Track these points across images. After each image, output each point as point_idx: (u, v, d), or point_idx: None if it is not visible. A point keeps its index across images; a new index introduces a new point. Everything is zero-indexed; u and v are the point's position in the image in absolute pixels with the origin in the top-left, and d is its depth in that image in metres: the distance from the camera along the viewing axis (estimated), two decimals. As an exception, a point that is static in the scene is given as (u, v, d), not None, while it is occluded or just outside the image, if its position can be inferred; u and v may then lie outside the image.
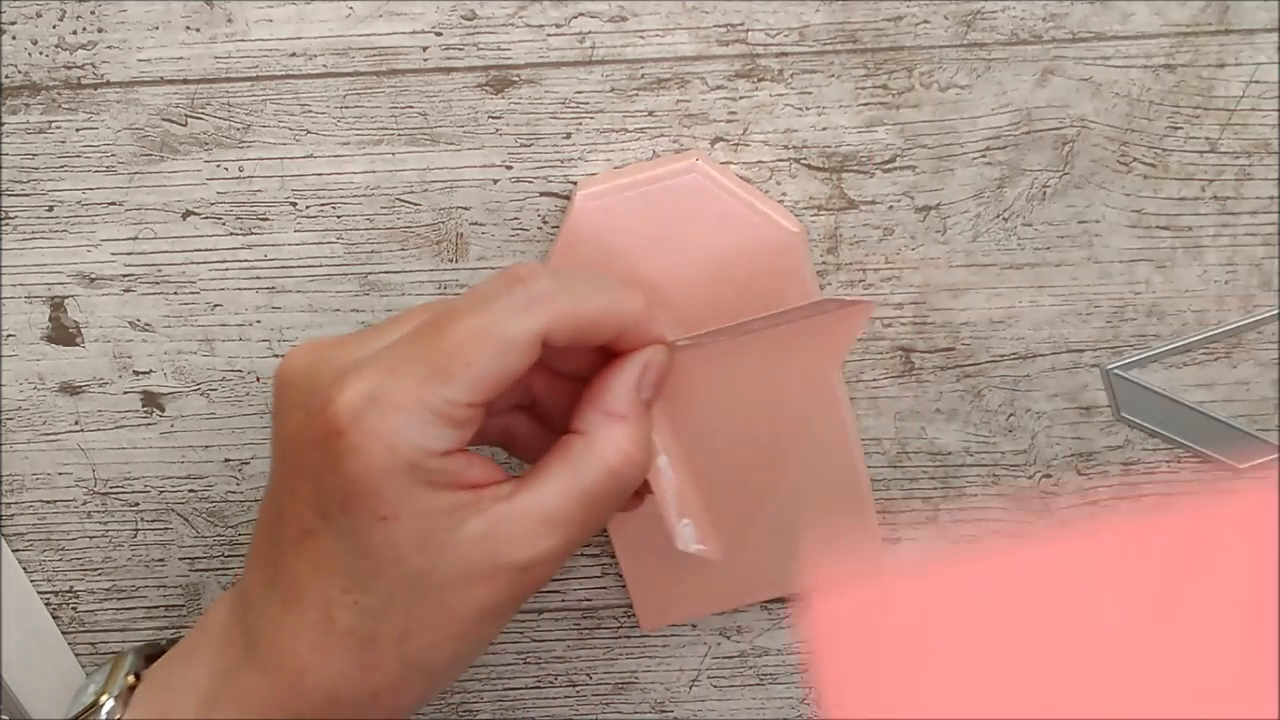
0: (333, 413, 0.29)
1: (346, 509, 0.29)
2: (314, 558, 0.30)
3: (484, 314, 0.30)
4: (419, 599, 0.30)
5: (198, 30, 0.36)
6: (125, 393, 0.42)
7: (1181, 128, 0.37)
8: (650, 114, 0.37)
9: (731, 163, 0.38)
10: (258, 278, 0.40)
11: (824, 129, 0.37)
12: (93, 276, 0.40)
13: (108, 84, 0.37)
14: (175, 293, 0.40)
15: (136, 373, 0.42)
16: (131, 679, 0.36)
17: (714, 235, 0.37)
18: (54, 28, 0.36)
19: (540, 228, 0.39)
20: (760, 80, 0.37)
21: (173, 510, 0.44)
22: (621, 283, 0.33)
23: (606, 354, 0.33)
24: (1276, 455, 0.41)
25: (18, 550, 0.45)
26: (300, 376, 0.31)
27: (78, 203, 0.39)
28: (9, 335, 0.41)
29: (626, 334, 0.32)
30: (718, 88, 0.37)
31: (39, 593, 0.46)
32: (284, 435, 0.31)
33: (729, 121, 0.37)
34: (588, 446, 0.31)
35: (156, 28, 0.36)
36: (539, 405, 0.35)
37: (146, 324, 0.41)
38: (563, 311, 0.30)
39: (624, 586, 0.44)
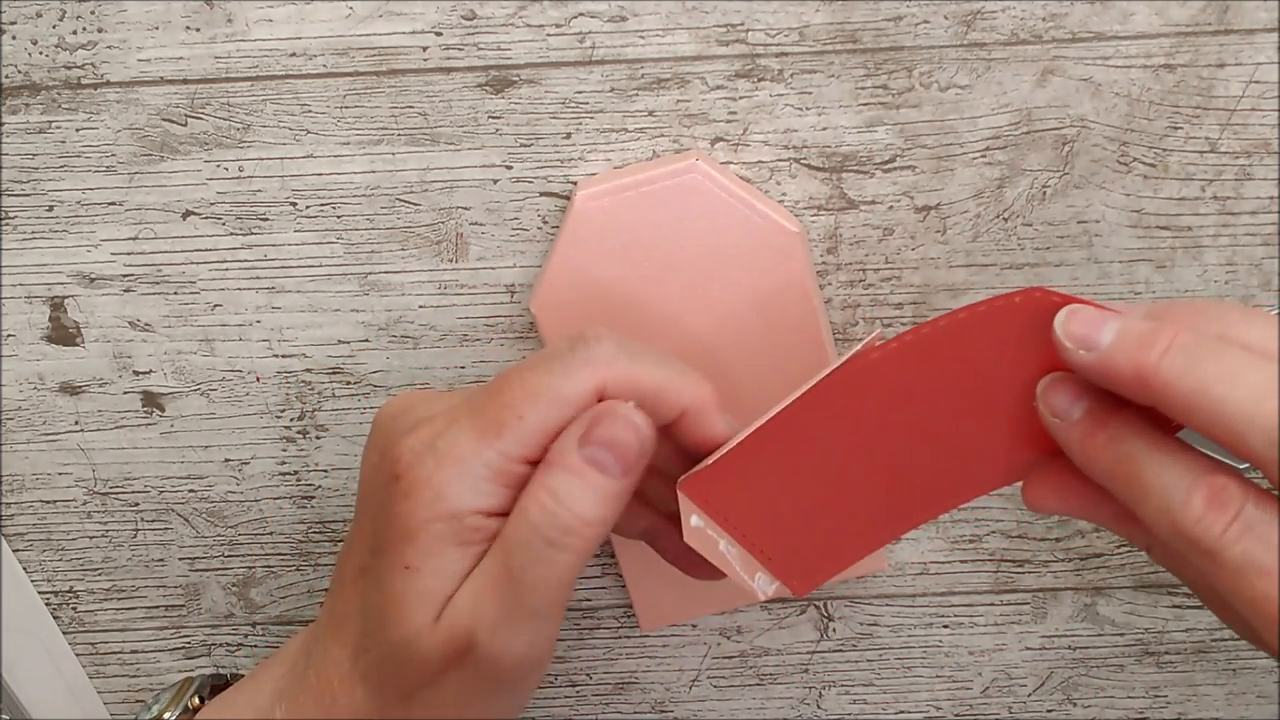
0: (394, 456, 0.30)
1: (380, 555, 0.30)
2: (361, 594, 0.31)
3: (542, 371, 0.30)
4: (403, 664, 0.30)
5: (198, 30, 0.36)
6: (125, 393, 0.42)
7: (1181, 128, 0.37)
8: (650, 114, 0.37)
9: (731, 163, 0.38)
10: (258, 278, 0.40)
11: (824, 129, 0.37)
12: (93, 276, 0.40)
13: (108, 84, 0.37)
14: (175, 293, 0.40)
15: (136, 373, 0.42)
16: (196, 701, 0.38)
17: (714, 235, 0.37)
18: (54, 28, 0.36)
19: (540, 228, 0.39)
20: (760, 80, 0.37)
21: (173, 510, 0.44)
22: (691, 369, 0.32)
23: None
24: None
25: (18, 550, 0.45)
26: (387, 421, 0.32)
27: (78, 203, 0.39)
28: (9, 335, 0.41)
29: (691, 421, 0.31)
30: (718, 88, 0.37)
31: (39, 593, 0.46)
32: (362, 475, 0.32)
33: (729, 121, 0.37)
34: (519, 506, 0.30)
35: (156, 28, 0.36)
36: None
37: (146, 324, 0.41)
38: (621, 375, 0.30)
39: (624, 587, 0.44)
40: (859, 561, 0.34)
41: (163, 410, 0.42)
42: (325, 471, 0.43)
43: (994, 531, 0.44)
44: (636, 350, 0.30)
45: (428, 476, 0.29)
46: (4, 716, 0.47)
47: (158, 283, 0.40)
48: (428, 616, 0.30)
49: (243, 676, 0.37)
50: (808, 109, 0.37)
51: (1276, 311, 0.39)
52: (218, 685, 0.39)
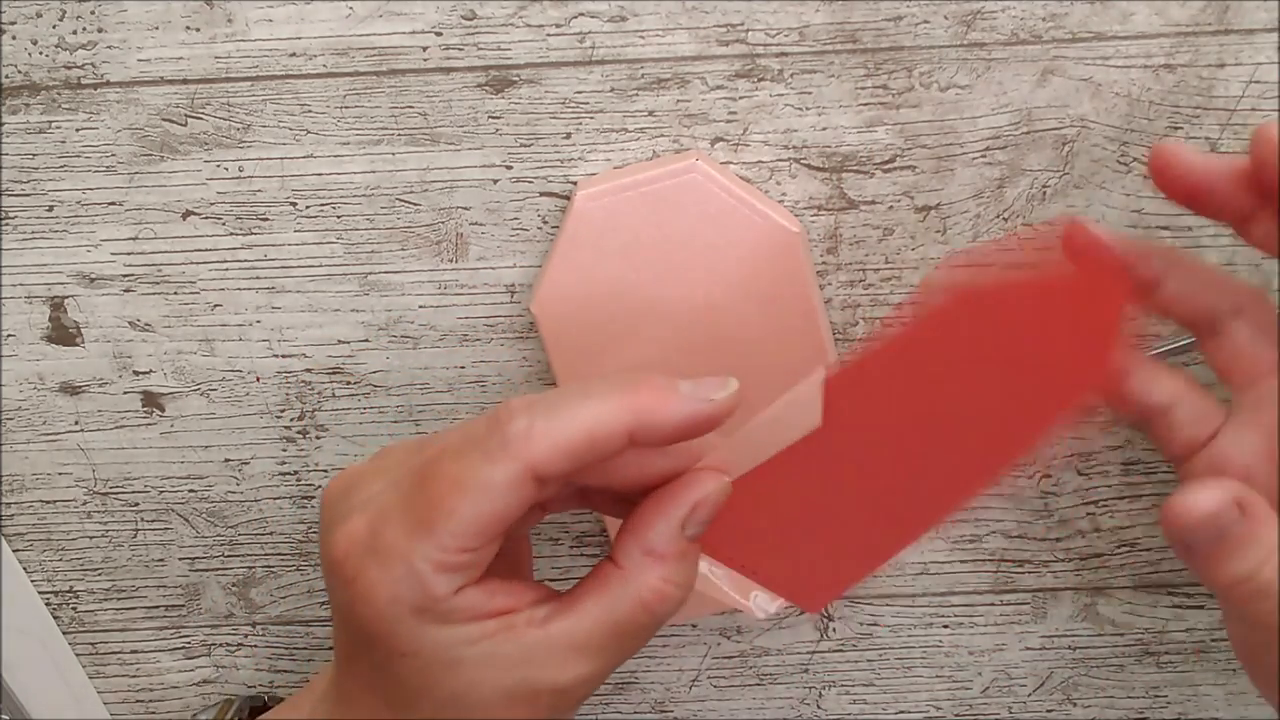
0: (337, 557, 0.30)
1: (370, 647, 0.30)
2: (358, 677, 0.32)
3: (461, 460, 0.29)
4: (464, 713, 0.31)
5: (198, 30, 0.36)
6: (125, 393, 0.42)
7: (1181, 128, 0.37)
8: (650, 114, 0.37)
9: (731, 163, 0.38)
10: (258, 278, 0.40)
11: (824, 129, 0.37)
12: (93, 276, 0.40)
13: (108, 84, 0.37)
14: (175, 293, 0.40)
15: (136, 373, 0.42)
16: None
17: (714, 235, 0.37)
18: (54, 28, 0.36)
19: (540, 228, 0.39)
20: (760, 80, 0.37)
21: (173, 510, 0.44)
22: (612, 383, 0.30)
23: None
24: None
25: (18, 550, 0.45)
26: (328, 505, 0.32)
27: (78, 203, 0.39)
28: (9, 335, 0.41)
29: (644, 435, 0.30)
30: (718, 88, 0.37)
31: (39, 593, 0.46)
32: (321, 562, 0.32)
33: (729, 121, 0.37)
34: (624, 582, 0.31)
35: (156, 28, 0.36)
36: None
37: (146, 324, 0.41)
38: (545, 446, 0.29)
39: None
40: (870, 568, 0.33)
41: (163, 410, 0.42)
42: (325, 471, 0.43)
43: (994, 531, 0.44)
44: (554, 403, 0.29)
45: (376, 580, 0.29)
46: (4, 716, 0.47)
47: (158, 283, 0.40)
48: (464, 681, 0.30)
49: (280, 701, 0.37)
50: (808, 109, 0.37)
51: (1276, 312, 0.39)
52: (256, 707, 0.39)
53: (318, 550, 0.45)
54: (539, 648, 0.30)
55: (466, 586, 0.30)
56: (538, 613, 0.31)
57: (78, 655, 0.47)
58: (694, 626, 0.46)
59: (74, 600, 0.46)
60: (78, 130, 0.38)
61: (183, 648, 0.47)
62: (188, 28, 0.36)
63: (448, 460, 0.29)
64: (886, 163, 0.38)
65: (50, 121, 0.38)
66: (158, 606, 0.46)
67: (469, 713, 0.30)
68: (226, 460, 0.43)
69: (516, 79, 0.37)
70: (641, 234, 0.37)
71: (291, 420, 0.42)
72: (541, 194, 0.38)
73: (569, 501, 0.34)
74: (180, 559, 0.45)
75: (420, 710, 0.31)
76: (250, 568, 0.45)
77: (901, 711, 0.47)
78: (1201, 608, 0.44)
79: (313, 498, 0.44)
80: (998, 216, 0.38)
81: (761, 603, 0.33)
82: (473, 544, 0.29)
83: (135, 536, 0.45)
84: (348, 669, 0.32)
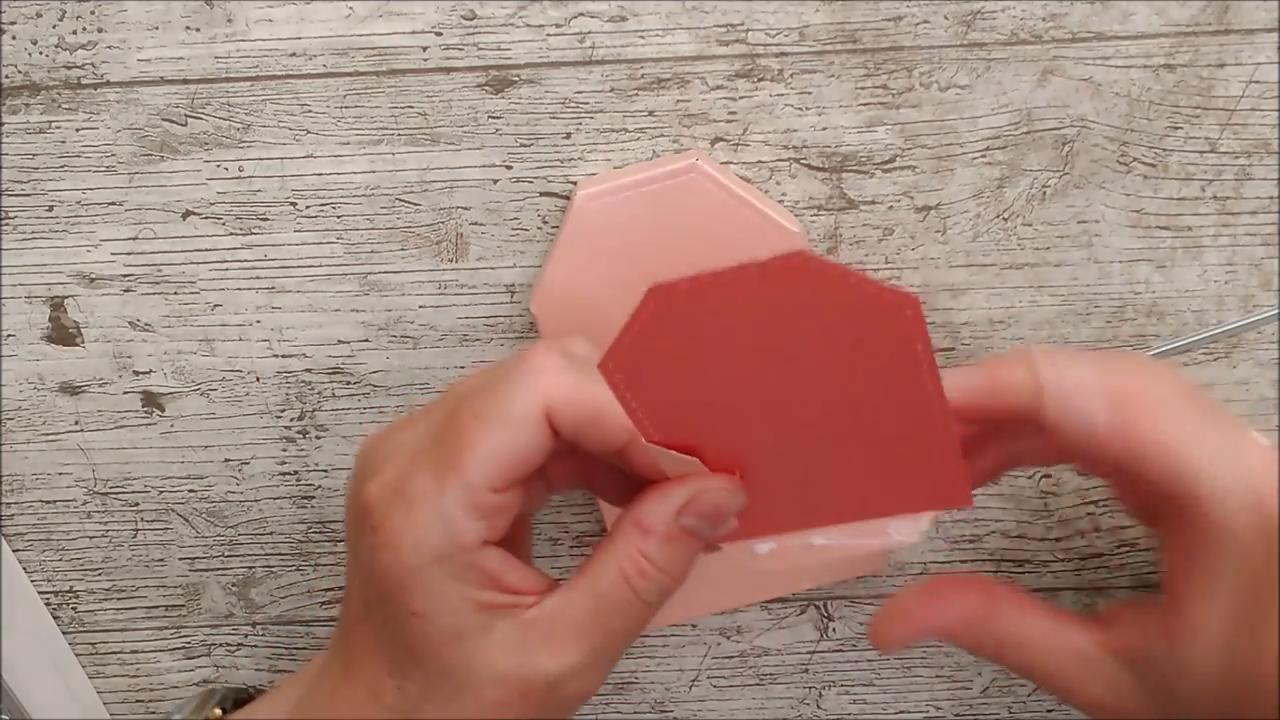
0: (365, 505, 0.31)
1: (383, 602, 0.31)
2: (363, 641, 0.32)
3: (487, 393, 0.30)
4: (456, 693, 0.31)
5: (198, 30, 0.36)
6: (125, 393, 0.42)
7: (1181, 128, 0.37)
8: (650, 114, 0.37)
9: (731, 163, 0.38)
10: (258, 278, 0.40)
11: (824, 129, 0.37)
12: (93, 276, 0.40)
13: (108, 84, 0.37)
14: (175, 293, 0.40)
15: (136, 373, 0.42)
16: (218, 712, 0.39)
17: (714, 235, 0.37)
18: (54, 28, 0.36)
19: (540, 228, 0.39)
20: (760, 80, 0.37)
21: (173, 510, 0.44)
22: None
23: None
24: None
25: (18, 550, 0.45)
26: (360, 461, 0.32)
27: (78, 203, 0.39)
28: (9, 335, 0.41)
29: (639, 447, 0.31)
30: (718, 88, 0.37)
31: (39, 593, 0.46)
32: (346, 520, 0.33)
33: (729, 121, 0.37)
34: (608, 549, 0.31)
35: (156, 28, 0.36)
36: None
37: (146, 324, 0.41)
38: (566, 391, 0.30)
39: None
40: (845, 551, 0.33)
41: (163, 410, 0.42)
42: (325, 471, 0.43)
43: (994, 531, 0.44)
44: (589, 370, 0.30)
45: (402, 525, 0.30)
46: (4, 716, 0.47)
47: (158, 283, 0.40)
48: (463, 655, 0.30)
49: (264, 692, 0.38)
50: (808, 109, 0.37)
51: (1276, 312, 0.39)
52: (240, 699, 0.40)
53: (318, 550, 0.45)
54: (533, 628, 0.30)
55: (490, 545, 0.30)
56: (538, 597, 0.31)
57: (78, 655, 0.47)
58: (694, 627, 0.46)
59: (74, 600, 0.46)
60: (78, 130, 0.38)
61: (183, 648, 0.47)
62: (188, 28, 0.36)
63: (470, 398, 0.30)
64: (886, 163, 0.38)
65: (50, 121, 0.38)
66: (158, 606, 0.46)
67: (461, 690, 0.30)
68: (226, 460, 0.43)
69: (516, 79, 0.37)
70: (641, 234, 0.37)
71: (291, 420, 0.42)
72: (541, 194, 0.38)
73: (575, 480, 0.34)
74: (180, 559, 0.45)
75: (417, 679, 0.31)
76: (250, 568, 0.45)
77: (901, 711, 0.47)
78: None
79: (313, 498, 0.44)
80: (998, 216, 0.38)
81: (903, 530, 0.32)
82: (498, 482, 0.30)
83: (135, 536, 0.45)
84: (354, 633, 0.32)
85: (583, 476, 0.34)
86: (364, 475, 0.31)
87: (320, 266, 0.40)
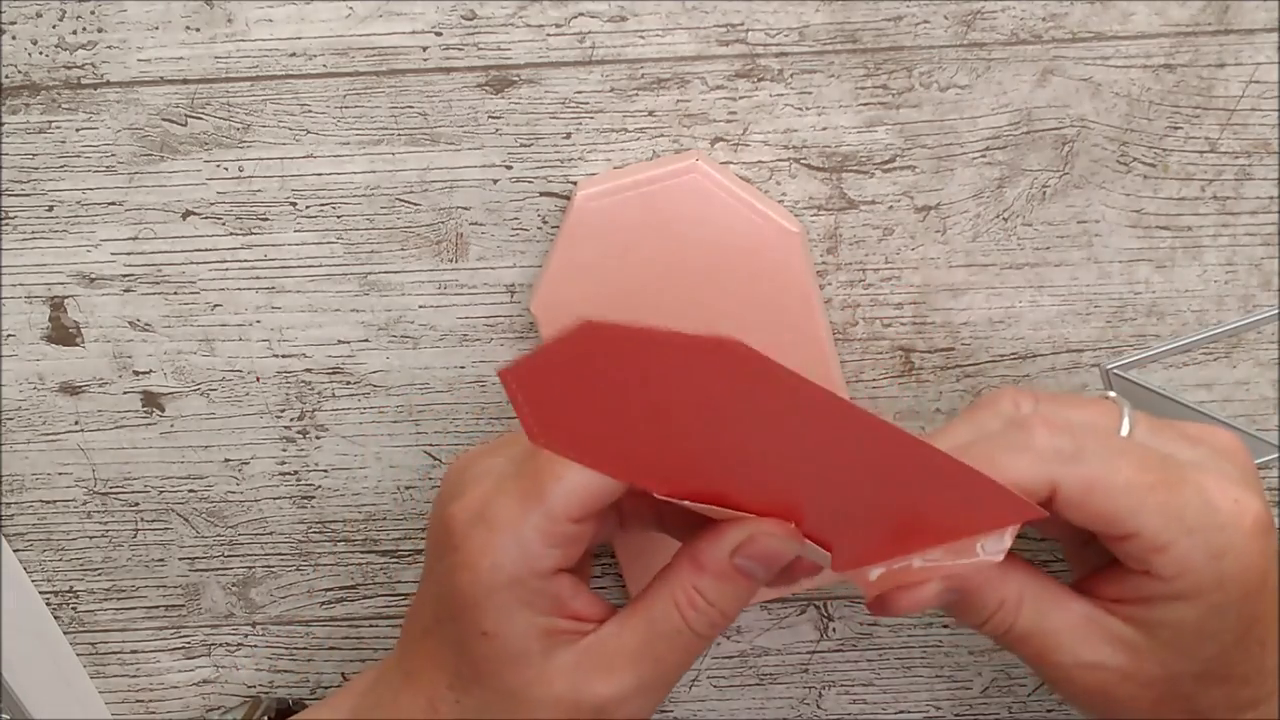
0: (448, 526, 0.32)
1: (454, 618, 0.32)
2: (430, 653, 0.33)
3: None
4: (511, 712, 0.32)
5: (198, 30, 0.36)
6: (125, 393, 0.42)
7: (1181, 128, 0.37)
8: (650, 114, 0.37)
9: (731, 163, 0.38)
10: (258, 278, 0.40)
11: (824, 129, 0.37)
12: (93, 276, 0.40)
13: (108, 84, 0.37)
14: (175, 293, 0.40)
15: (136, 373, 0.42)
16: None
17: (714, 235, 0.37)
18: (54, 28, 0.36)
19: (540, 228, 0.39)
20: (760, 80, 0.37)
21: (173, 510, 0.44)
22: None
23: None
24: (1277, 455, 0.41)
25: (18, 550, 0.45)
26: (446, 483, 0.34)
27: (78, 203, 0.39)
28: (9, 335, 0.41)
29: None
30: (718, 88, 0.37)
31: (39, 593, 0.46)
32: (427, 537, 0.34)
33: (729, 121, 0.37)
34: (663, 579, 0.32)
35: (156, 28, 0.36)
36: None
37: (146, 324, 0.41)
38: None
39: (624, 586, 0.44)
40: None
41: (163, 410, 0.42)
42: (325, 471, 0.43)
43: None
44: None
45: (481, 547, 0.31)
46: (4, 716, 0.47)
47: (158, 283, 0.40)
48: (524, 678, 0.31)
49: (305, 706, 0.38)
50: (808, 109, 0.37)
51: (1276, 312, 0.39)
52: (282, 710, 0.41)
53: (318, 550, 0.45)
54: (588, 654, 0.32)
55: (562, 572, 0.31)
56: (596, 625, 0.32)
57: (78, 655, 0.47)
58: (694, 626, 0.46)
59: (74, 600, 0.46)
60: (78, 130, 0.38)
61: (183, 648, 0.47)
62: (188, 28, 0.36)
63: None
64: (886, 163, 0.38)
65: (50, 121, 0.38)
66: (158, 606, 0.46)
67: (516, 710, 0.32)
68: (226, 460, 0.43)
69: (516, 79, 0.37)
70: (641, 234, 0.37)
71: (291, 420, 0.42)
72: (541, 194, 0.38)
73: (648, 517, 0.35)
74: (180, 559, 0.45)
75: (476, 695, 0.32)
76: (250, 568, 0.45)
77: (901, 711, 0.47)
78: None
79: (313, 498, 0.44)
80: (997, 216, 0.38)
81: (990, 548, 0.32)
82: (577, 513, 0.31)
83: (135, 536, 0.45)
84: (419, 644, 0.33)
85: (655, 514, 0.35)
86: (449, 496, 0.33)
87: (320, 266, 0.40)
